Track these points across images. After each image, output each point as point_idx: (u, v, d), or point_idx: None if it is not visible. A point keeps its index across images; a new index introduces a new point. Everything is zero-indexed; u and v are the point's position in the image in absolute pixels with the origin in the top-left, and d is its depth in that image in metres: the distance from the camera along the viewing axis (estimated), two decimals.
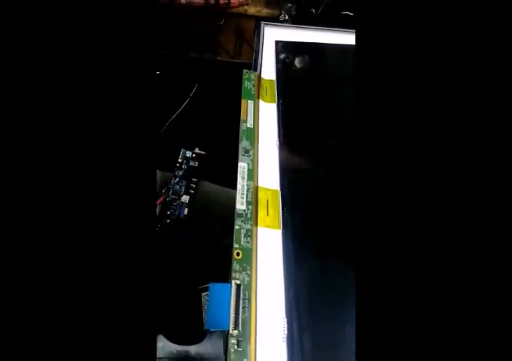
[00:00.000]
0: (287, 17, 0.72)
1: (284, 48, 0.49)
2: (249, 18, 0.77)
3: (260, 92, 0.43)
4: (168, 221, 0.43)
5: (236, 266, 0.29)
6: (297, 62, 0.48)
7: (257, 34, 0.49)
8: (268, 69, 0.45)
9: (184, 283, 0.43)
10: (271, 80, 0.44)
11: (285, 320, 0.28)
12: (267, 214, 0.33)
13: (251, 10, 0.75)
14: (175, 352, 0.61)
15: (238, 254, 0.30)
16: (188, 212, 0.45)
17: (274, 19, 0.55)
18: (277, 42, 0.49)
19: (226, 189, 0.48)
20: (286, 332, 0.27)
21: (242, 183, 0.35)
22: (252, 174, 0.36)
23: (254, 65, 0.45)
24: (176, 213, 0.44)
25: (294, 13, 0.71)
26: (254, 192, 0.34)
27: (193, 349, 0.59)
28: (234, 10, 0.77)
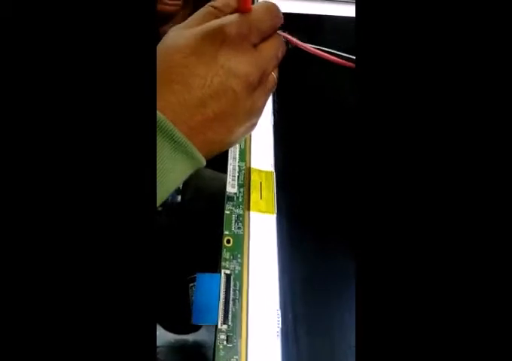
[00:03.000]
0: None
1: (284, 21, 0.45)
2: None
3: None
4: (160, 208, 0.41)
5: (226, 254, 0.27)
6: (297, 37, 0.45)
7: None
8: None
9: (180, 271, 0.41)
10: None
11: (280, 311, 0.25)
12: (260, 198, 0.31)
13: None
14: (172, 341, 0.60)
15: (228, 241, 0.28)
16: (181, 199, 0.42)
17: None
18: None
19: (220, 174, 0.46)
20: (280, 325, 0.25)
21: (233, 163, 0.32)
22: (244, 155, 0.33)
23: None
24: (168, 200, 0.42)
25: None
26: (246, 174, 0.32)
27: (190, 338, 0.58)
28: None
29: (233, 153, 0.32)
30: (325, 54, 0.31)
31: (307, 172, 0.33)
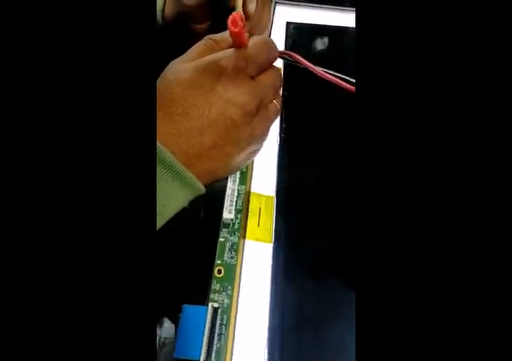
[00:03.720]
0: None
1: (296, 31, 0.44)
2: None
3: None
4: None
5: (215, 286, 0.26)
6: (310, 48, 0.43)
7: None
8: None
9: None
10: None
11: (266, 350, 0.24)
12: (258, 225, 0.30)
13: None
14: None
15: (219, 272, 0.27)
16: None
17: None
18: (288, 24, 0.44)
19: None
20: None
21: (232, 187, 0.31)
22: (245, 178, 0.32)
23: None
24: None
25: None
26: (245, 199, 0.31)
27: None
28: None
29: (233, 176, 0.31)
30: (333, 78, 0.30)
31: (310, 200, 0.32)
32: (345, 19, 0.45)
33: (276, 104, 0.25)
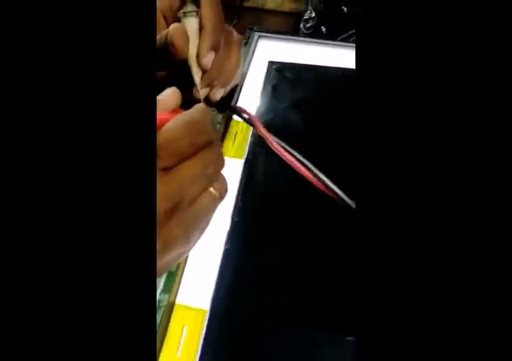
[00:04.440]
0: (313, 14, 0.58)
1: (279, 73, 0.35)
2: (267, 14, 0.64)
3: (226, 140, 0.30)
4: None
5: None
6: (296, 95, 0.35)
7: (245, 49, 0.36)
8: (247, 105, 0.32)
9: None
10: (247, 126, 0.32)
11: None
12: (177, 354, 0.22)
13: (271, 4, 0.62)
14: None
15: None
16: None
17: (270, 30, 0.40)
18: (271, 63, 0.36)
19: None
20: None
21: None
22: (171, 283, 0.24)
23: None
24: None
25: (321, 8, 0.58)
26: (165, 315, 0.23)
27: None
28: (249, 4, 0.63)
29: (157, 279, 0.24)
30: (289, 157, 0.23)
31: (256, 321, 0.24)
32: (343, 57, 0.37)
33: (213, 192, 0.21)
